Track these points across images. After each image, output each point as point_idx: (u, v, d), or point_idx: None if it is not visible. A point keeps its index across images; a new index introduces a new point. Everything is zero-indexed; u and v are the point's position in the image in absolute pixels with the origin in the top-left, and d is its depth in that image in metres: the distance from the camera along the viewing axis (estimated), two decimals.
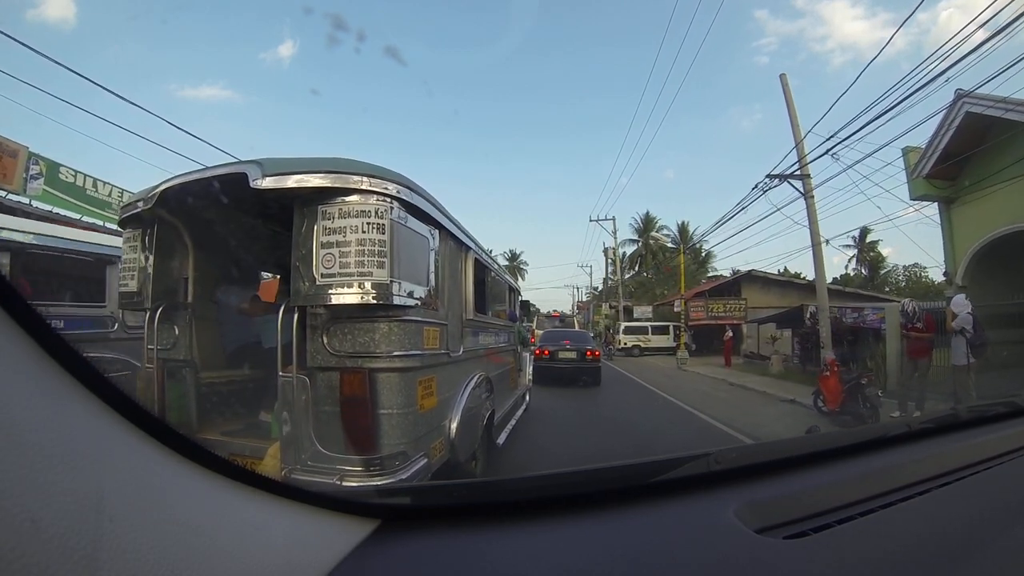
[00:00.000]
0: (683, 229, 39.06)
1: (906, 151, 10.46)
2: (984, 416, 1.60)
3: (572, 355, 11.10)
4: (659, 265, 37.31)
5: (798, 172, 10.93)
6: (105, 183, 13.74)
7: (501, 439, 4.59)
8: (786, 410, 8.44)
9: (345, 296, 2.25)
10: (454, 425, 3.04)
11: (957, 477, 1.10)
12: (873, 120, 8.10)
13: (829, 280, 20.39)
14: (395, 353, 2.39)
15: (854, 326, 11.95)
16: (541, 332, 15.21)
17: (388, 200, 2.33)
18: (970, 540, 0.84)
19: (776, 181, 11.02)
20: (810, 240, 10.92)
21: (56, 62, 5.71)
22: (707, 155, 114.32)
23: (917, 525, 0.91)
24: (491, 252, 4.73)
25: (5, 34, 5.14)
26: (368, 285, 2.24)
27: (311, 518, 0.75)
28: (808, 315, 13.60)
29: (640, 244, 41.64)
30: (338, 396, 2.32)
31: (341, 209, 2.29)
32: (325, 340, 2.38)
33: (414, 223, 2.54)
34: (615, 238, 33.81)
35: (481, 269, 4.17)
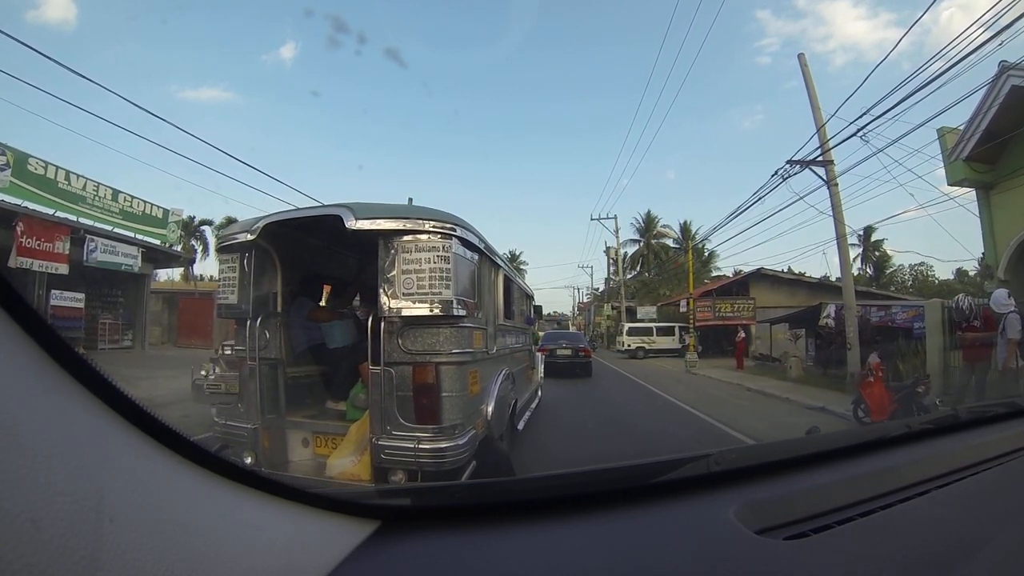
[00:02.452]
0: (685, 228, 37.96)
1: (942, 132, 9.43)
2: (984, 416, 1.58)
3: (568, 352, 13.63)
4: (662, 264, 36.22)
5: (820, 158, 9.84)
6: (79, 176, 12.86)
7: (520, 425, 5.34)
8: (818, 420, 7.43)
9: (419, 309, 2.97)
10: (490, 408, 3.74)
11: (957, 477, 1.08)
12: (915, 92, 7.06)
13: (833, 280, 19.30)
14: (454, 351, 3.11)
15: (881, 324, 10.88)
16: (542, 334, 15.81)
17: (449, 238, 3.06)
18: (970, 540, 0.83)
19: (797, 168, 9.96)
20: (834, 231, 9.94)
21: (57, 62, 5.81)
22: (708, 156, 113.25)
23: (917, 526, 0.91)
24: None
25: (5, 34, 5.21)
26: (436, 301, 2.96)
27: (311, 519, 0.74)
28: (826, 314, 12.50)
29: (642, 244, 40.74)
30: (411, 383, 3.01)
31: (416, 245, 3.01)
32: (400, 342, 3.05)
33: (467, 253, 3.28)
34: (617, 237, 33.06)
35: (507, 282, 5.00)
